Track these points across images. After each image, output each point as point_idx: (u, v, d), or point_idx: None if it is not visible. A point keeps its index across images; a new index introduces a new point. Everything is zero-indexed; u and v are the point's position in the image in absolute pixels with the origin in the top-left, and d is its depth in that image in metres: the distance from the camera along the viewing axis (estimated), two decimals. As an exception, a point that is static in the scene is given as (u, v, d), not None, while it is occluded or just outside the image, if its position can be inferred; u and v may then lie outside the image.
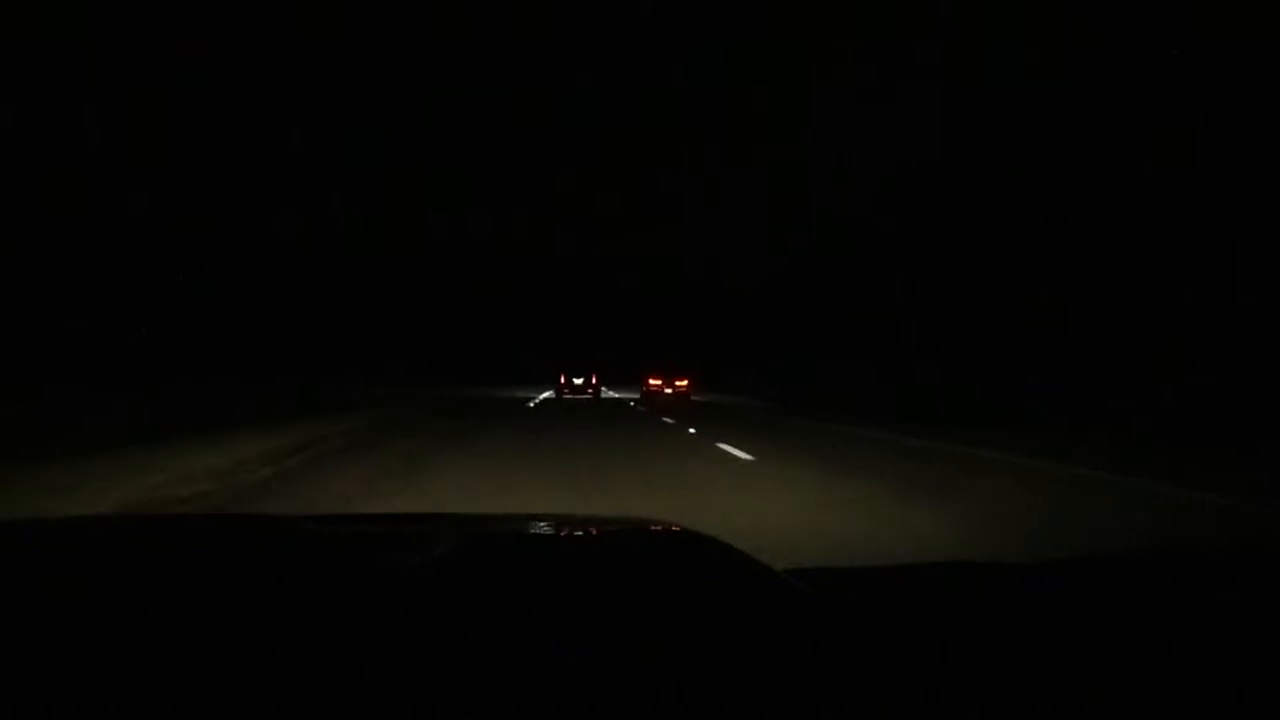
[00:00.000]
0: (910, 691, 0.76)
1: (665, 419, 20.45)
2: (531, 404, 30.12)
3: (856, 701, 0.73)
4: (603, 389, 47.12)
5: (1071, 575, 1.33)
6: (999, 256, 26.70)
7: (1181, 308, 18.52)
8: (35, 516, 1.39)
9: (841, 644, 0.89)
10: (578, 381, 44.99)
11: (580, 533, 1.54)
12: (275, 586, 0.98)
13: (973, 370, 26.28)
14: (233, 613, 0.86)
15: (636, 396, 40.24)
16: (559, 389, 44.53)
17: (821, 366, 40.37)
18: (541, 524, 1.65)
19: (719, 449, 11.63)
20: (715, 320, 73.98)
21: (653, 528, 1.46)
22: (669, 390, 39.28)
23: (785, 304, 53.06)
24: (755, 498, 7.27)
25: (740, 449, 11.43)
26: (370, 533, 1.48)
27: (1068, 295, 22.71)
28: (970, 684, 0.79)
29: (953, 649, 0.88)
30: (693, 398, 38.53)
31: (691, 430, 16.01)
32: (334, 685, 0.70)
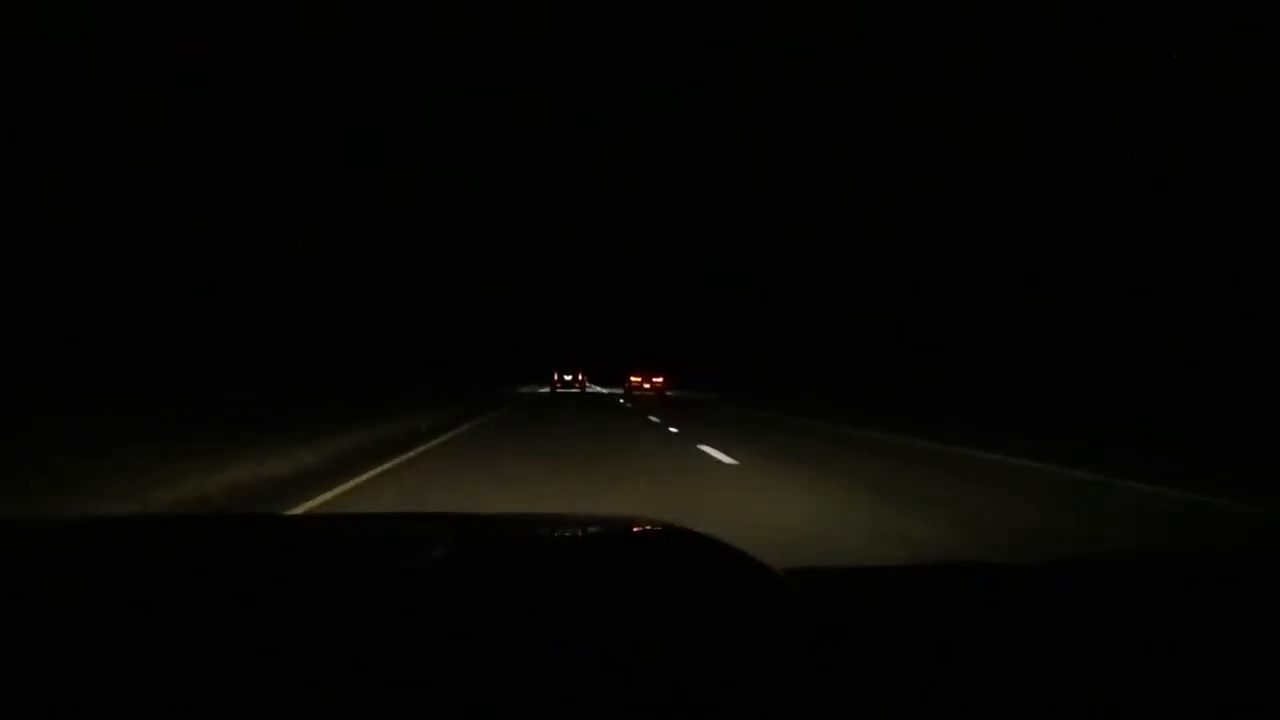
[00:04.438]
0: (910, 692, 0.76)
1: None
2: (540, 392, 45.42)
3: (856, 701, 0.73)
4: (587, 385, 60.06)
5: (1071, 575, 1.33)
6: (990, 259, 26.72)
7: (1182, 307, 18.50)
8: (35, 517, 1.39)
9: (840, 644, 0.89)
10: (567, 378, 56.79)
11: (579, 532, 1.54)
12: (275, 586, 0.98)
13: (970, 371, 26.43)
14: (233, 613, 0.86)
15: (620, 391, 48.86)
16: (552, 385, 55.00)
17: (791, 368, 48.33)
18: (540, 524, 1.65)
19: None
20: (703, 325, 74.51)
21: (653, 527, 1.45)
22: (648, 386, 47.60)
23: (768, 313, 54.72)
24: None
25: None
26: (369, 533, 1.48)
27: (1067, 293, 22.69)
28: (970, 684, 0.79)
29: (952, 649, 0.88)
30: (667, 393, 46.21)
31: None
32: (334, 685, 0.70)
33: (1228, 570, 1.37)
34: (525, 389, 51.24)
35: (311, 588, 0.98)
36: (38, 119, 17.30)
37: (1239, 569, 1.39)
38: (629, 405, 28.54)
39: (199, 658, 0.75)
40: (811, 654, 0.84)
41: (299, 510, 5.87)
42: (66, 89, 17.88)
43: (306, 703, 0.67)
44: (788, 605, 0.98)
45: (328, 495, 6.57)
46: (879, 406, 23.67)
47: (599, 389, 59.79)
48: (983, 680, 0.80)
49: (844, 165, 51.26)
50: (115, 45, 19.44)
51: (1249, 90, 17.40)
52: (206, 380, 19.49)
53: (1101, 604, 1.12)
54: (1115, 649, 0.90)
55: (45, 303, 17.51)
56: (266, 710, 0.66)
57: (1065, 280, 23.09)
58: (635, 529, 1.52)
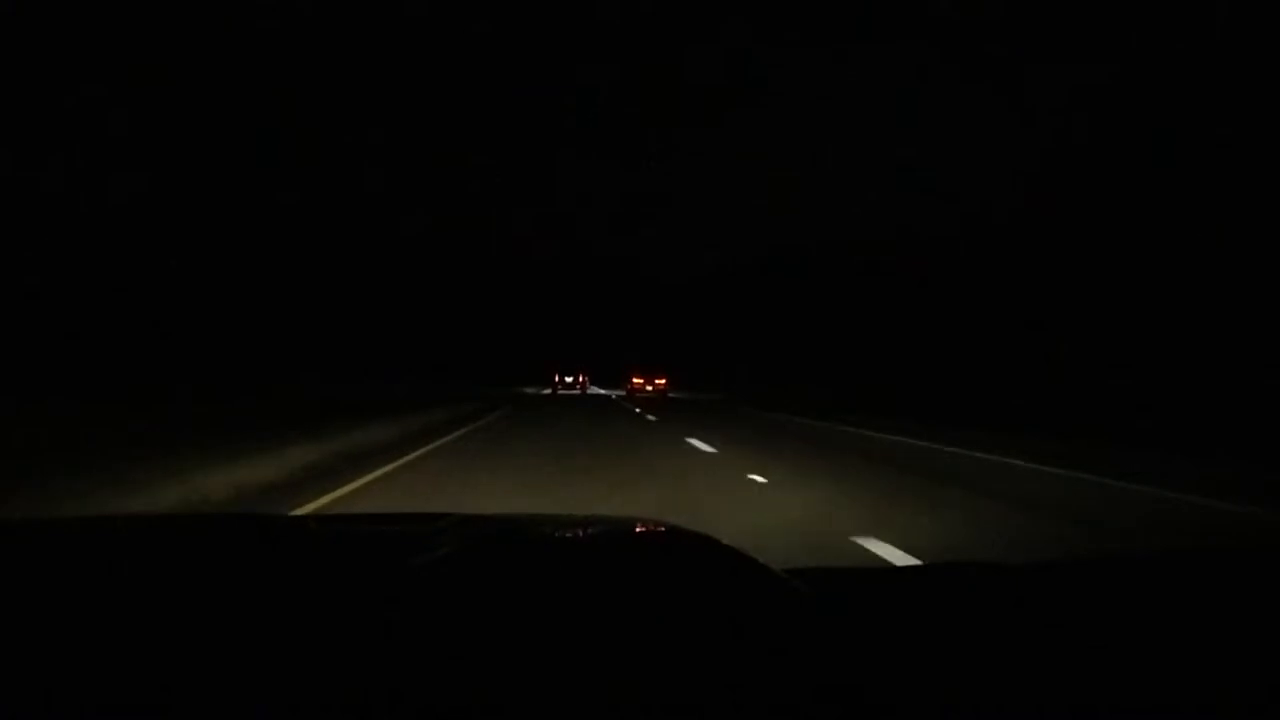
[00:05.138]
0: (910, 692, 0.76)
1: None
2: (543, 394, 46.79)
3: (856, 701, 0.73)
4: (589, 386, 60.86)
5: (1071, 575, 1.33)
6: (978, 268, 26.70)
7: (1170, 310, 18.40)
8: (35, 517, 1.39)
9: (841, 644, 0.89)
10: (569, 380, 57.07)
11: (581, 533, 1.54)
12: (277, 586, 0.98)
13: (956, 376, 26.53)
14: (234, 612, 0.86)
15: (621, 393, 49.59)
16: (553, 386, 55.64)
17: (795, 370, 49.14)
18: (542, 524, 1.65)
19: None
20: (705, 326, 74.78)
21: (655, 528, 1.46)
22: (650, 387, 48.20)
23: (767, 317, 55.14)
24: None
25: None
26: (371, 533, 1.49)
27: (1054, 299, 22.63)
28: (970, 684, 0.79)
29: (952, 649, 0.88)
30: (669, 394, 46.66)
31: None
32: (336, 685, 0.70)
33: (1228, 570, 1.37)
34: (530, 389, 52.47)
35: (313, 588, 0.98)
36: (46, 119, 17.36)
37: (1239, 569, 1.39)
38: (630, 406, 29.56)
39: (200, 658, 0.75)
40: (812, 654, 0.84)
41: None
42: (67, 89, 17.92)
43: (309, 703, 0.67)
44: (788, 605, 0.99)
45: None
46: (879, 407, 23.63)
47: (600, 390, 60.59)
48: (983, 680, 0.80)
49: (843, 166, 51.50)
50: (120, 39, 19.49)
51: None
52: (207, 382, 19.60)
53: (1101, 604, 1.12)
54: (1115, 649, 0.90)
55: (43, 306, 17.57)
56: (268, 710, 0.66)
57: (1069, 283, 23.08)
58: (638, 529, 1.53)
